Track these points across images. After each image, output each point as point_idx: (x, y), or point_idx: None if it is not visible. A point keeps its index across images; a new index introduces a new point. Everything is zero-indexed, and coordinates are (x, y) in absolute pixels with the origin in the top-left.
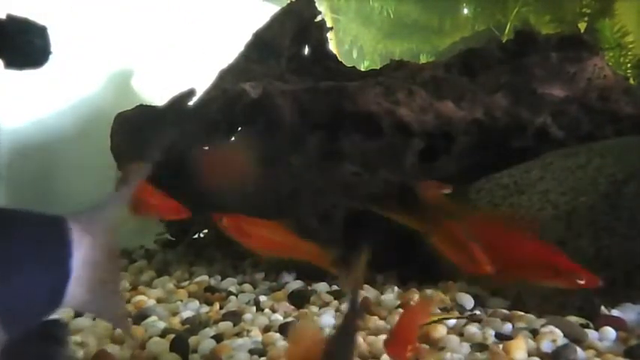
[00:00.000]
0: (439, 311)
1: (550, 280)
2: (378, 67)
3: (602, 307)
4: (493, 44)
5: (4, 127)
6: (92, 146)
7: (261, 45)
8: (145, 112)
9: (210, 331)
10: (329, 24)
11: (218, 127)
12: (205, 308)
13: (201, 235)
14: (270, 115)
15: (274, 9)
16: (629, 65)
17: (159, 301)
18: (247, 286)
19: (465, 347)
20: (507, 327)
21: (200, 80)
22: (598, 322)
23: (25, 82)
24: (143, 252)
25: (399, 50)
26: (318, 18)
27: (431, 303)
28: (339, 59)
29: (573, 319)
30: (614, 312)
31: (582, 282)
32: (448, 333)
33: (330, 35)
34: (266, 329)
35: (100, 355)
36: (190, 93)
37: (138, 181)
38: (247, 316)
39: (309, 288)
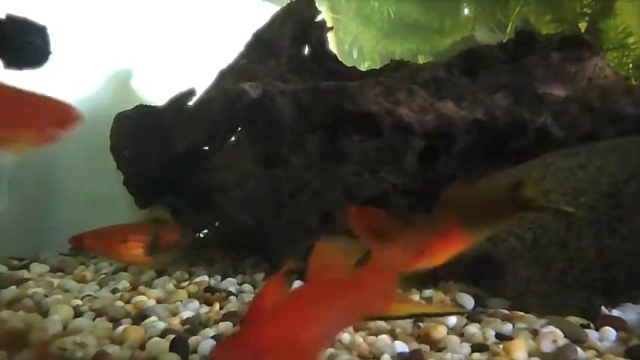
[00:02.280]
0: None
1: None
2: (378, 67)
3: (603, 308)
4: (494, 44)
5: None
6: (92, 146)
7: (261, 45)
8: (145, 112)
9: (210, 331)
10: (329, 24)
11: (218, 127)
12: (205, 308)
13: (201, 236)
14: (270, 115)
15: (274, 9)
16: (630, 65)
17: (159, 301)
18: (247, 287)
19: (466, 347)
20: (507, 327)
21: (200, 80)
22: (598, 322)
23: (25, 82)
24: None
25: (399, 50)
26: (318, 18)
27: None
28: (339, 59)
29: (574, 319)
30: (615, 312)
31: None
32: (448, 333)
33: (330, 35)
34: None
35: (100, 355)
36: (190, 93)
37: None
38: None
39: None
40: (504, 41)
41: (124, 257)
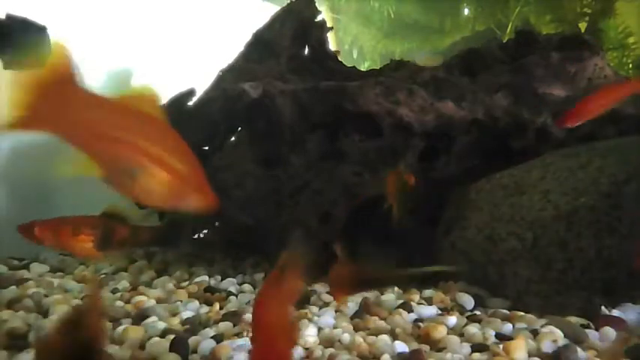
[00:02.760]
0: None
1: None
2: (378, 67)
3: (603, 308)
4: (493, 44)
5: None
6: None
7: (261, 45)
8: None
9: (210, 331)
10: (329, 24)
11: (218, 127)
12: (205, 308)
13: (201, 236)
14: (270, 115)
15: (274, 9)
16: (630, 65)
17: (159, 301)
18: (247, 287)
19: (466, 347)
20: (507, 327)
21: (200, 80)
22: (598, 322)
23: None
24: (143, 252)
25: (399, 50)
26: (318, 18)
27: None
28: (339, 59)
29: (574, 319)
30: (615, 312)
31: None
32: (448, 333)
33: (330, 35)
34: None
35: (100, 355)
36: (190, 93)
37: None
38: (247, 316)
39: (309, 288)
40: (504, 41)
41: (74, 250)
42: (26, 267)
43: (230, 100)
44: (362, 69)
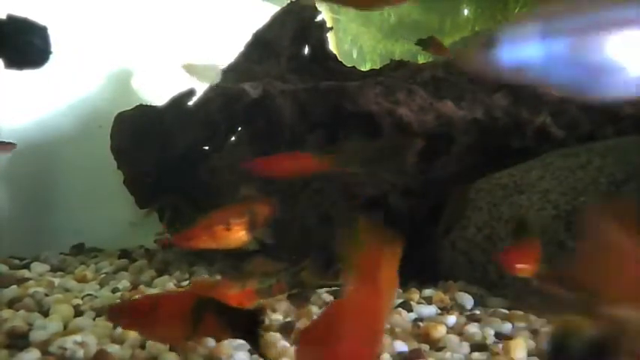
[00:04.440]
0: None
1: None
2: (378, 67)
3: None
4: None
5: (4, 127)
6: (92, 146)
7: (261, 45)
8: (145, 112)
9: None
10: (329, 24)
11: (218, 127)
12: None
13: None
14: (270, 115)
15: (274, 9)
16: None
17: None
18: None
19: (465, 347)
20: (507, 326)
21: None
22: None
23: (24, 82)
24: (143, 252)
25: (399, 50)
26: (318, 18)
27: None
28: (339, 59)
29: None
30: None
31: None
32: (448, 333)
33: (330, 35)
34: (266, 329)
35: (100, 354)
36: (190, 93)
37: None
38: None
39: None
40: None
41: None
42: (27, 266)
43: (230, 100)
44: (362, 69)
